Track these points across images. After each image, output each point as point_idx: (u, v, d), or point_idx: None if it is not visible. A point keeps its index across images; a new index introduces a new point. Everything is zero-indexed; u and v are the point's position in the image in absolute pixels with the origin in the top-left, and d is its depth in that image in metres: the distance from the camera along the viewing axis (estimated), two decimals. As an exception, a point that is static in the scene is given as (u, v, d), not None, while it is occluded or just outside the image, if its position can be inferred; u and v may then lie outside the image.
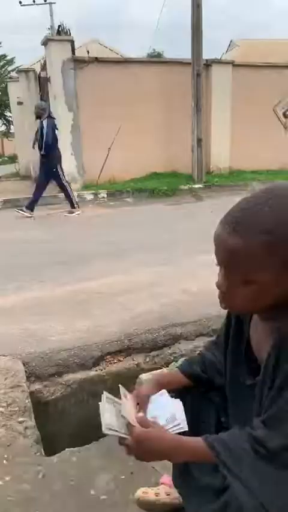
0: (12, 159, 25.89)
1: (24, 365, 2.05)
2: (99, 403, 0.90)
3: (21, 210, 6.81)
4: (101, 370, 2.15)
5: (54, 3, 24.46)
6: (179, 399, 0.96)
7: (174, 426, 0.87)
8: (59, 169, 6.89)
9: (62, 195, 8.17)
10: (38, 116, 6.94)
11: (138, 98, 8.79)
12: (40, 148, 6.79)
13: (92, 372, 2.13)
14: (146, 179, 9.14)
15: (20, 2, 24.72)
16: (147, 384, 0.98)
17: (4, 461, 1.36)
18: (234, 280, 0.77)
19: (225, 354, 0.95)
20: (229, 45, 23.91)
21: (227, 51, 21.98)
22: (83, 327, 2.53)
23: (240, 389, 0.88)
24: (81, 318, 2.67)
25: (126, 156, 8.88)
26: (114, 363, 2.20)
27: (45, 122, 6.72)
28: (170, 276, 3.46)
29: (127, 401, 0.91)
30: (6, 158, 30.95)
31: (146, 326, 2.52)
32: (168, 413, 0.90)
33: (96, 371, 2.14)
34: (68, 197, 7.03)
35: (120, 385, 0.96)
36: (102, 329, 2.49)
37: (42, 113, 6.85)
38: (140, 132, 8.99)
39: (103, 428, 0.85)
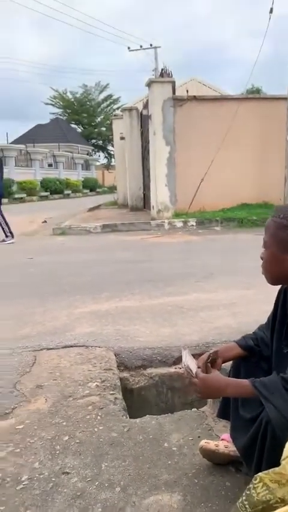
0: (111, 189, 27.89)
1: (115, 355, 2.43)
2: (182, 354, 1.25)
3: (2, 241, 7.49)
4: (180, 368, 2.43)
5: (159, 47, 26.43)
6: None
7: None
8: None
9: (154, 222, 8.77)
10: None
11: (233, 133, 9.15)
12: None
13: (172, 370, 2.42)
14: (235, 209, 9.34)
15: (129, 48, 27.21)
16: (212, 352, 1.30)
17: (98, 417, 1.72)
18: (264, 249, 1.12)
19: (272, 331, 1.23)
20: None
21: None
22: (166, 332, 2.85)
23: (281, 357, 1.16)
24: (165, 326, 3.00)
25: (217, 187, 9.22)
26: (192, 364, 2.47)
27: None
28: (250, 298, 3.64)
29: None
30: (106, 189, 33.37)
31: (223, 337, 2.75)
32: None
33: (175, 369, 2.43)
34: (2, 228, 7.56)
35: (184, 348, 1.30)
36: (182, 336, 2.79)
37: None
38: (232, 164, 9.30)
39: (183, 366, 1.19)
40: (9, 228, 7.59)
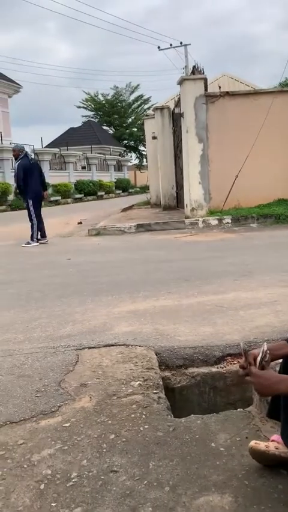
0: (143, 190, 27.98)
1: (156, 354, 2.42)
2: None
3: (27, 243, 7.55)
4: (222, 368, 2.40)
5: (189, 44, 26.24)
6: None
7: None
8: (30, 205, 7.53)
9: (188, 220, 8.72)
10: (16, 157, 7.71)
11: (268, 127, 8.94)
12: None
13: (214, 369, 2.38)
14: (272, 205, 9.13)
15: (159, 47, 27.19)
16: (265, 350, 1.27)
17: (143, 416, 1.72)
18: None
19: None
20: None
21: None
22: (206, 331, 2.82)
23: None
24: (204, 325, 2.96)
25: (252, 183, 9.05)
26: (234, 363, 2.43)
27: (16, 164, 7.56)
28: (292, 296, 3.55)
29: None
30: (138, 189, 33.53)
31: (265, 336, 2.69)
32: None
33: (217, 368, 2.40)
34: (32, 231, 7.59)
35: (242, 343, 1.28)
36: (223, 335, 2.74)
37: (21, 154, 7.61)
38: (267, 159, 9.09)
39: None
40: (38, 233, 7.71)
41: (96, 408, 1.82)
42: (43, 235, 7.81)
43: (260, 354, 1.19)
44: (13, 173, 8.11)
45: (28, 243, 7.55)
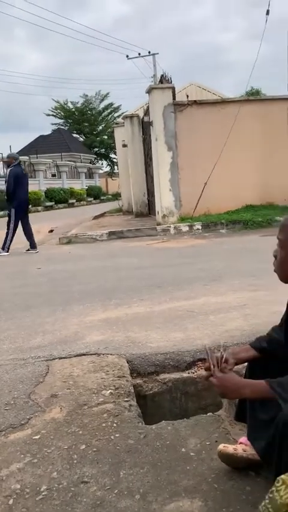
0: (115, 197, 28.00)
1: (127, 362, 2.42)
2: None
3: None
4: (193, 373, 2.42)
5: (157, 53, 26.64)
6: None
7: None
8: (12, 213, 7.52)
9: (160, 227, 8.79)
10: (8, 165, 7.74)
11: (235, 135, 9.16)
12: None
13: (185, 374, 2.40)
14: (240, 211, 9.34)
15: (127, 56, 27.45)
16: (226, 353, 1.29)
17: (114, 425, 1.72)
18: (278, 247, 1.16)
19: (286, 331, 1.23)
20: None
21: None
22: (177, 337, 2.84)
23: None
24: (176, 330, 2.99)
25: (221, 190, 9.23)
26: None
27: (8, 171, 7.58)
28: (260, 300, 3.61)
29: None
30: (110, 196, 33.53)
31: (234, 340, 2.74)
32: None
33: (189, 373, 2.42)
34: (5, 238, 7.54)
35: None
36: (194, 340, 2.77)
37: (12, 161, 7.65)
38: (235, 166, 9.31)
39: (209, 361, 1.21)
40: (10, 243, 7.59)
41: (67, 418, 1.80)
42: (33, 246, 7.72)
43: (219, 358, 1.22)
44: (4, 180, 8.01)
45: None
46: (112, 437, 1.63)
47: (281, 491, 0.83)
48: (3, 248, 7.51)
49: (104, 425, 1.73)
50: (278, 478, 0.85)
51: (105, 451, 1.57)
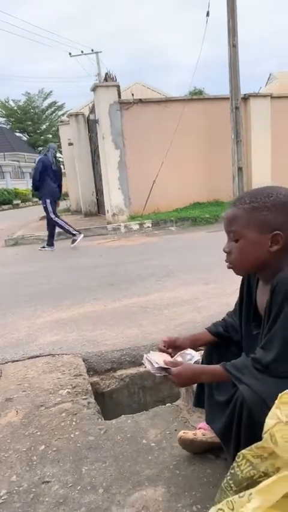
0: (63, 196, 27.53)
1: (84, 361, 2.40)
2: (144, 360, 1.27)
3: (43, 247, 7.38)
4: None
5: (101, 52, 26.52)
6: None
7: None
8: (48, 205, 7.28)
9: (110, 226, 8.76)
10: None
11: (180, 134, 9.35)
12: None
13: (142, 369, 2.42)
14: (188, 208, 9.55)
15: (70, 54, 27.04)
16: (183, 339, 1.34)
17: (73, 423, 1.70)
18: (230, 241, 1.15)
19: (240, 315, 1.28)
20: (268, 78, 24.51)
21: (266, 85, 22.53)
22: (133, 333, 2.86)
23: (250, 339, 1.21)
24: (130, 327, 3.01)
25: (169, 187, 9.39)
26: (161, 361, 2.49)
27: (37, 159, 7.36)
28: (210, 292, 3.73)
29: (156, 354, 1.28)
30: (56, 196, 32.87)
31: (189, 332, 2.80)
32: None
33: (145, 368, 2.44)
34: (50, 233, 7.40)
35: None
36: (149, 335, 2.81)
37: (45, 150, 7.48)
38: (182, 165, 9.50)
39: (153, 371, 1.20)
40: (71, 228, 7.38)
41: (24, 421, 1.76)
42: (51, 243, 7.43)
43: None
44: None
45: (73, 241, 7.28)
46: (72, 435, 1.62)
47: (242, 465, 0.87)
48: (74, 235, 7.32)
49: (62, 424, 1.71)
50: (238, 454, 0.89)
51: (66, 450, 1.55)
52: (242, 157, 9.36)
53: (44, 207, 7.32)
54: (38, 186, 7.24)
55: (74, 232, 7.40)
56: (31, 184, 7.36)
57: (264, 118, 9.87)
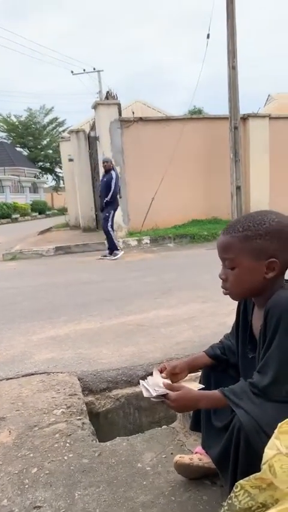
0: (61, 211, 27.61)
1: (79, 379, 2.37)
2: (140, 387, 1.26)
3: (104, 256, 7.58)
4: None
5: (102, 70, 27.00)
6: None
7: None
8: (110, 216, 7.58)
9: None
10: (108, 170, 7.65)
11: (180, 152, 9.46)
12: (105, 196, 7.54)
13: (138, 389, 2.39)
14: (187, 225, 9.59)
15: (72, 72, 27.51)
16: (181, 365, 1.31)
17: (67, 445, 1.66)
18: (226, 268, 1.15)
19: (237, 338, 1.27)
20: (267, 99, 24.93)
21: (265, 105, 22.91)
22: (129, 352, 2.83)
23: (247, 362, 1.20)
24: (127, 345, 2.98)
25: (168, 205, 9.45)
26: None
27: (113, 174, 7.54)
28: (208, 311, 3.71)
29: (154, 377, 1.26)
30: (56, 211, 33.01)
31: (186, 352, 2.78)
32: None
33: (144, 395, 2.41)
34: (109, 243, 7.62)
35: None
36: (146, 354, 2.78)
37: (111, 166, 7.65)
38: (181, 182, 9.58)
39: (151, 397, 1.19)
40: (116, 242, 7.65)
41: (16, 442, 1.72)
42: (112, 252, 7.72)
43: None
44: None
45: (105, 256, 7.49)
46: (65, 457, 1.58)
47: (240, 496, 0.84)
48: (111, 252, 7.53)
49: (56, 445, 1.67)
50: (236, 484, 0.86)
51: (59, 473, 1.51)
52: (240, 176, 9.46)
53: (106, 216, 7.59)
54: (115, 198, 7.57)
55: (118, 249, 7.65)
56: (107, 195, 7.54)
57: (263, 138, 10.01)
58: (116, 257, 7.46)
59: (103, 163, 7.70)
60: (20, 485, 1.46)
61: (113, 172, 7.51)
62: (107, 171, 7.58)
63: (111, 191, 7.42)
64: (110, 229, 7.54)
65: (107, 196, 7.46)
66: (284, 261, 1.10)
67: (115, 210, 7.67)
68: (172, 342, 2.96)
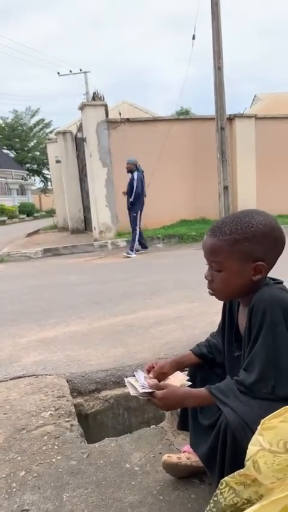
0: (50, 213, 27.46)
1: (67, 381, 2.36)
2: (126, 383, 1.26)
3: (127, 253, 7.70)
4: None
5: (89, 72, 26.94)
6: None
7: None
8: (138, 215, 7.77)
9: (97, 243, 8.75)
10: (130, 171, 7.75)
11: (167, 152, 9.48)
12: (130, 196, 7.69)
13: (127, 390, 2.38)
14: (175, 226, 9.61)
15: (58, 73, 27.43)
16: (169, 364, 1.32)
17: (55, 447, 1.65)
18: (212, 270, 1.15)
19: (222, 337, 1.28)
20: (253, 99, 25.15)
21: (251, 106, 23.10)
22: (118, 353, 2.82)
23: (233, 360, 1.21)
24: (116, 346, 2.97)
25: (156, 205, 9.45)
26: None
27: (135, 175, 7.64)
28: (196, 311, 3.73)
29: (139, 376, 1.26)
30: (44, 213, 32.82)
31: (175, 352, 2.78)
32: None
33: (129, 392, 2.41)
34: (132, 241, 7.80)
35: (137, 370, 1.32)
36: (135, 355, 2.78)
37: (134, 167, 7.73)
38: (169, 183, 9.60)
39: (137, 394, 1.19)
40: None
41: (4, 445, 1.70)
42: (144, 246, 8.12)
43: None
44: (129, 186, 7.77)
45: (129, 254, 7.59)
46: (54, 460, 1.57)
47: (225, 493, 0.85)
48: (132, 250, 7.70)
49: (44, 448, 1.66)
50: (221, 481, 0.87)
51: (47, 475, 1.50)
52: (227, 176, 9.52)
53: (133, 216, 7.78)
54: (138, 198, 7.71)
55: (133, 251, 7.78)
56: (132, 196, 7.71)
57: (249, 138, 10.09)
58: (131, 255, 7.64)
59: (126, 164, 7.82)
60: (7, 488, 1.45)
61: (135, 173, 7.64)
62: (129, 172, 7.71)
63: (133, 191, 7.58)
64: (136, 228, 7.77)
65: (131, 197, 7.65)
66: (270, 263, 1.11)
67: (141, 210, 7.85)
68: (161, 342, 2.96)
